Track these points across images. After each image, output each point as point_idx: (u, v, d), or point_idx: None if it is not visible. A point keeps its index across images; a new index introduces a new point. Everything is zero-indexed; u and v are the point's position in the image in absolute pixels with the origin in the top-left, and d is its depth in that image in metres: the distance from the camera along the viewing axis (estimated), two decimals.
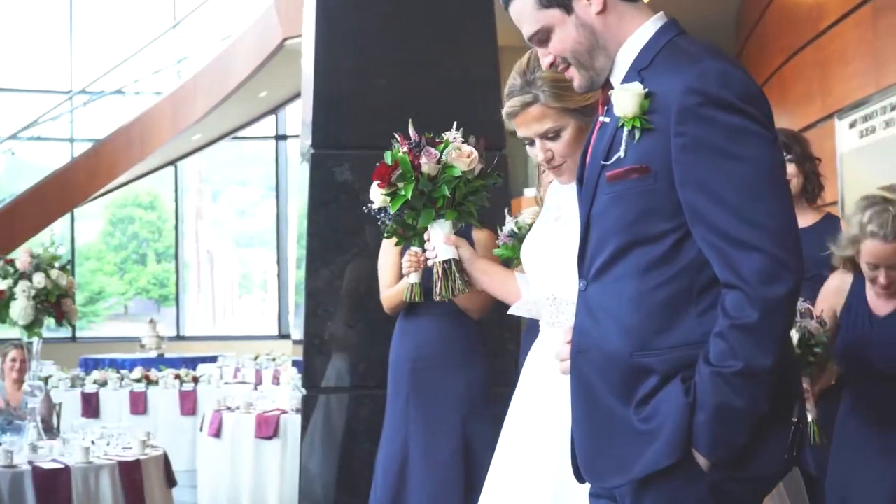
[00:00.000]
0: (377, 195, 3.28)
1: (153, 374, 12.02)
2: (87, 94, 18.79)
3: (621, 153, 2.44)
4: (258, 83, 16.52)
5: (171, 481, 7.12)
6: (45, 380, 11.45)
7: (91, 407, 11.34)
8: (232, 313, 22.92)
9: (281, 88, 17.09)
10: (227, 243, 23.21)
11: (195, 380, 11.87)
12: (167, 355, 15.67)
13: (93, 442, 6.98)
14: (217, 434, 9.00)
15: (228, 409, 9.19)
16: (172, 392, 11.59)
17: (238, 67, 16.32)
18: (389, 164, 3.22)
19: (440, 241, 3.28)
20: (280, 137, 20.59)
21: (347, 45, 6.76)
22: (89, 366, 14.61)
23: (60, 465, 6.50)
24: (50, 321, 7.11)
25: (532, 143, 3.11)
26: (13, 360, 7.92)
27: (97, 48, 19.69)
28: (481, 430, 5.29)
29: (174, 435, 10.99)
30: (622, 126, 2.43)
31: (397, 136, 3.31)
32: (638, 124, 2.40)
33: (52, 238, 7.35)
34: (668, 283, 2.41)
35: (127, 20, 19.99)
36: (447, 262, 3.26)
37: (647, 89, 2.41)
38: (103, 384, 11.72)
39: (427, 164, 3.21)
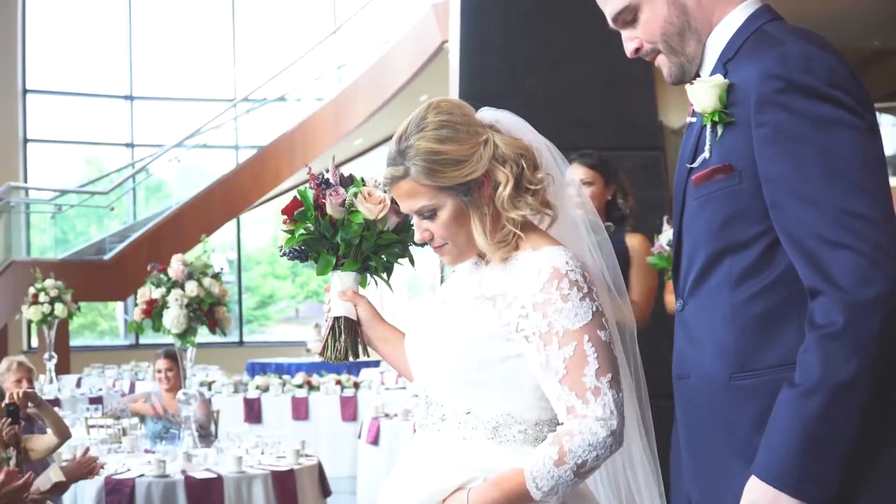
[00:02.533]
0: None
1: (315, 379, 12.06)
2: (251, 102, 19.05)
3: (706, 153, 2.22)
4: (418, 86, 16.52)
5: (325, 491, 7.05)
6: (209, 385, 11.61)
7: (253, 412, 11.43)
8: (400, 316, 23.01)
9: (440, 91, 16.88)
10: None
11: (356, 385, 11.86)
12: None
13: (247, 451, 6.97)
14: (375, 442, 8.94)
15: (386, 416, 9.12)
16: (333, 398, 11.60)
17: (398, 71, 16.39)
18: (299, 199, 2.86)
19: (335, 293, 2.87)
20: None
21: (493, 45, 6.59)
22: (255, 370, 14.77)
23: (213, 475, 6.49)
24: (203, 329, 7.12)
25: None
26: (159, 370, 7.97)
27: (259, 57, 19.97)
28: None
29: (335, 441, 10.99)
30: (705, 124, 2.22)
31: (309, 170, 2.97)
32: (717, 119, 2.18)
33: (204, 248, 7.36)
34: (762, 293, 2.16)
35: (288, 28, 20.22)
36: (338, 319, 2.85)
37: (728, 81, 2.18)
38: (265, 389, 11.80)
39: (330, 206, 2.79)
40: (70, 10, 19.57)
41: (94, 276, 15.85)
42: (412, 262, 2.93)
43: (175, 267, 7.01)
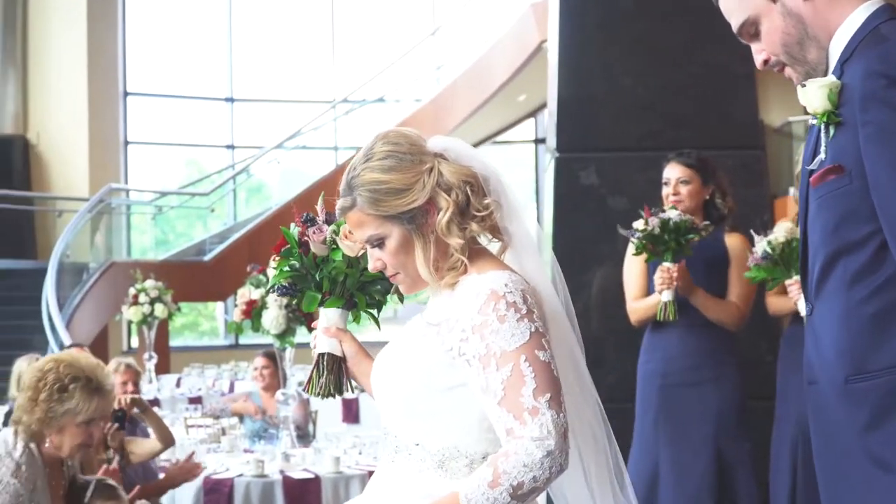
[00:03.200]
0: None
1: None
2: (350, 103, 19.16)
3: (822, 154, 2.20)
4: (517, 86, 16.51)
5: None
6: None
7: (351, 413, 11.47)
8: None
9: (539, 91, 16.91)
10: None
11: None
12: None
13: (345, 451, 6.99)
14: None
15: None
16: None
17: (496, 71, 16.39)
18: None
19: (320, 330, 2.89)
20: (540, 141, 20.51)
21: (592, 45, 6.53)
22: None
23: (311, 475, 6.52)
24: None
25: None
26: (255, 367, 8.03)
27: (358, 58, 20.08)
28: (734, 445, 5.03)
29: None
30: (818, 125, 2.20)
31: (294, 207, 3.04)
32: (828, 119, 2.15)
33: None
34: (875, 294, 2.13)
35: (386, 29, 20.30)
36: (322, 355, 2.86)
37: (839, 82, 2.15)
38: (363, 390, 11.82)
39: (313, 244, 2.84)
40: (170, 13, 19.85)
41: (195, 277, 16.05)
42: (401, 298, 2.91)
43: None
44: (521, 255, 2.58)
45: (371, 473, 6.48)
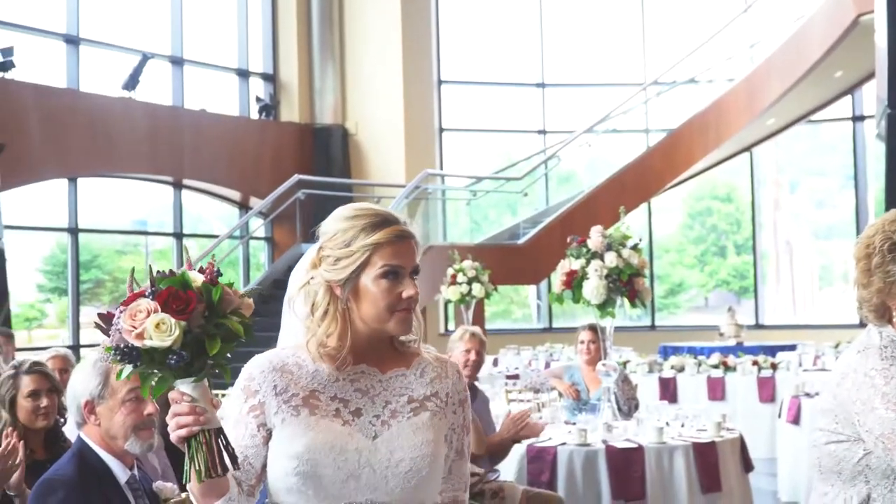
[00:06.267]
0: None
1: (731, 360, 11.86)
2: (660, 85, 18.98)
3: None
4: (832, 63, 16.00)
5: (747, 466, 6.88)
6: (624, 364, 11.65)
7: (668, 391, 11.37)
8: (812, 304, 22.27)
9: (856, 67, 16.39)
10: (806, 234, 22.59)
11: (773, 366, 11.55)
12: (745, 343, 15.43)
13: (667, 423, 6.91)
14: (795, 421, 8.66)
15: (807, 395, 8.82)
16: (750, 378, 11.37)
17: (811, 48, 15.94)
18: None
19: (185, 408, 2.36)
20: (857, 119, 19.72)
21: None
22: (667, 353, 14.72)
23: (634, 445, 6.48)
24: (624, 303, 7.10)
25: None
26: (581, 341, 8.01)
27: (669, 39, 19.86)
28: None
29: (752, 421, 10.76)
30: None
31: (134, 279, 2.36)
32: None
33: (622, 220, 7.32)
34: None
35: (698, 9, 19.98)
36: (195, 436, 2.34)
37: None
38: (680, 369, 11.71)
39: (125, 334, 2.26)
40: (482, 1, 20.18)
41: (509, 261, 16.27)
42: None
43: (594, 238, 7.04)
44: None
45: (695, 445, 6.41)
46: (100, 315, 2.32)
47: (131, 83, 15.41)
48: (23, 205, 13.95)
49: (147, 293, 2.29)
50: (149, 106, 15.69)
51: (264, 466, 2.53)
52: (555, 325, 19.54)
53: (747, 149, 19.41)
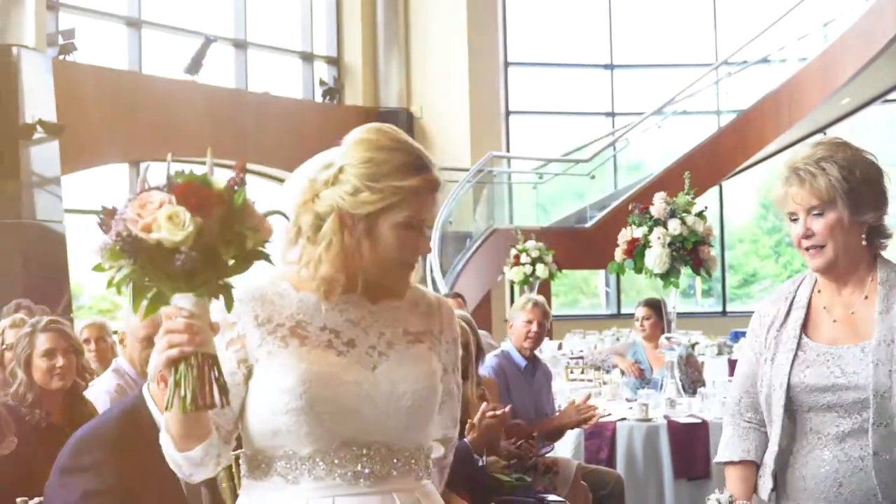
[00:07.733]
0: None
1: None
2: (731, 66, 18.57)
3: None
4: None
5: None
6: (693, 345, 11.36)
7: None
8: None
9: None
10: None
11: None
12: None
13: None
14: None
15: None
16: None
17: (885, 26, 15.51)
18: None
19: (181, 324, 2.11)
20: None
21: None
22: (738, 338, 14.38)
23: (697, 420, 6.21)
24: (688, 272, 6.81)
25: None
26: (637, 318, 7.74)
27: (740, 18, 19.45)
28: None
29: None
30: None
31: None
32: None
33: (687, 189, 7.01)
34: None
35: None
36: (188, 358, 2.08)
37: None
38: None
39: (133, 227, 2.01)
40: None
41: (576, 244, 15.99)
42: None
43: (658, 205, 6.75)
44: None
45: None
46: (104, 208, 2.03)
47: (194, 67, 15.29)
48: (84, 189, 13.86)
49: (162, 187, 2.04)
50: (212, 89, 15.57)
51: (243, 410, 2.24)
52: (623, 311, 19.23)
53: (821, 129, 18.95)
